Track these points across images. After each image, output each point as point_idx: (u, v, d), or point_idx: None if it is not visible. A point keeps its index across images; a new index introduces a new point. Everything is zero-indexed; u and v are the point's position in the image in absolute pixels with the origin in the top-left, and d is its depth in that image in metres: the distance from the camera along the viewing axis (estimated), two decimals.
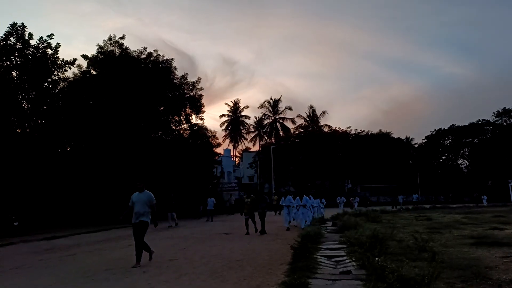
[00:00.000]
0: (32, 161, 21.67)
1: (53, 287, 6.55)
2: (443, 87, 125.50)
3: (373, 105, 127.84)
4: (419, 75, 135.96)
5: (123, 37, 29.71)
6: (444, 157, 69.15)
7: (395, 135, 71.14)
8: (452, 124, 67.32)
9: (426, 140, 69.68)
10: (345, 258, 8.47)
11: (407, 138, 73.75)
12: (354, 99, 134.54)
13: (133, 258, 8.43)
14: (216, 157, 40.68)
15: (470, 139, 65.88)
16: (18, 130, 23.01)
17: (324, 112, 71.99)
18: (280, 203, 20.81)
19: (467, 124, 65.75)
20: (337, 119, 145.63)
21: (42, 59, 22.63)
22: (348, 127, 67.08)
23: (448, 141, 68.06)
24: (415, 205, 41.69)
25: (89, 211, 23.79)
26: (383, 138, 66.60)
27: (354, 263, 7.47)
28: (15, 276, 7.55)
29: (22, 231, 17.93)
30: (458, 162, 69.32)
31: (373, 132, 68.24)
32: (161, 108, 31.35)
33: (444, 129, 67.93)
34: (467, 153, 67.44)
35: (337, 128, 66.53)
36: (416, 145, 72.56)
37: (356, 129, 66.68)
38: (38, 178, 22.01)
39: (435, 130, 68.62)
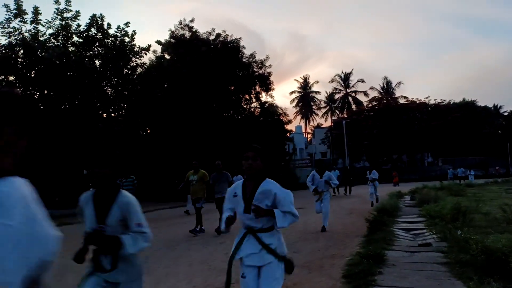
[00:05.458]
0: (118, 143, 23.38)
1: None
2: None
3: (455, 71, 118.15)
4: (509, 35, 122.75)
5: (192, 20, 30.71)
6: None
7: (481, 103, 65.57)
8: None
9: None
10: (424, 231, 8.13)
11: (495, 106, 67.60)
12: (432, 67, 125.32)
13: (211, 232, 8.78)
14: (288, 134, 40.72)
15: None
16: (104, 115, 24.88)
17: (399, 83, 68.60)
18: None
19: None
20: (414, 89, 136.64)
21: (120, 47, 24.05)
22: (427, 97, 63.05)
23: None
24: (460, 179, 35.95)
25: (166, 189, 25.18)
26: (466, 107, 61.72)
27: (434, 236, 7.14)
28: None
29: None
30: None
31: (455, 101, 63.57)
32: (232, 88, 31.96)
33: None
34: None
35: (414, 99, 62.98)
36: (506, 113, 66.30)
37: (436, 99, 62.51)
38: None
39: None
